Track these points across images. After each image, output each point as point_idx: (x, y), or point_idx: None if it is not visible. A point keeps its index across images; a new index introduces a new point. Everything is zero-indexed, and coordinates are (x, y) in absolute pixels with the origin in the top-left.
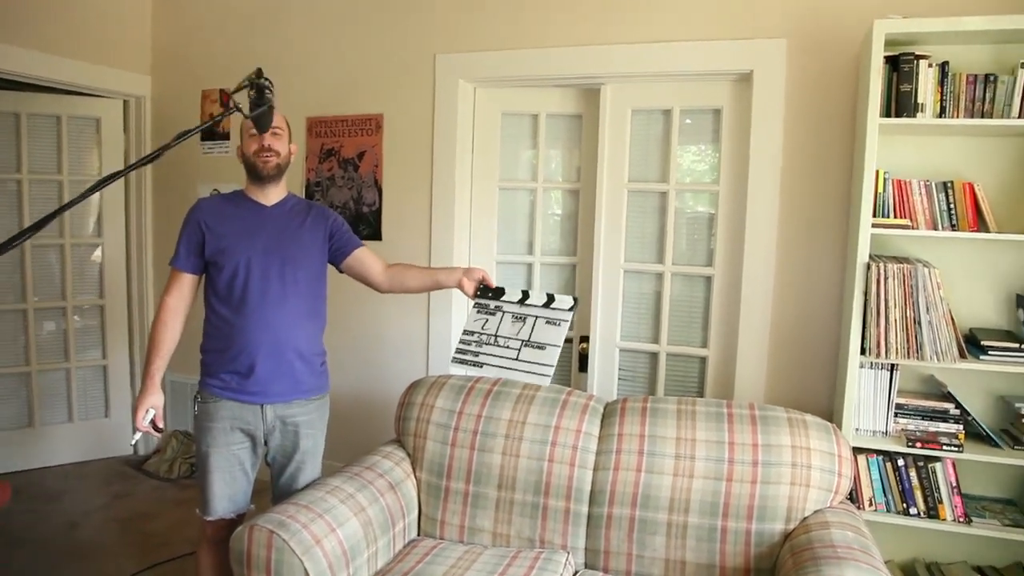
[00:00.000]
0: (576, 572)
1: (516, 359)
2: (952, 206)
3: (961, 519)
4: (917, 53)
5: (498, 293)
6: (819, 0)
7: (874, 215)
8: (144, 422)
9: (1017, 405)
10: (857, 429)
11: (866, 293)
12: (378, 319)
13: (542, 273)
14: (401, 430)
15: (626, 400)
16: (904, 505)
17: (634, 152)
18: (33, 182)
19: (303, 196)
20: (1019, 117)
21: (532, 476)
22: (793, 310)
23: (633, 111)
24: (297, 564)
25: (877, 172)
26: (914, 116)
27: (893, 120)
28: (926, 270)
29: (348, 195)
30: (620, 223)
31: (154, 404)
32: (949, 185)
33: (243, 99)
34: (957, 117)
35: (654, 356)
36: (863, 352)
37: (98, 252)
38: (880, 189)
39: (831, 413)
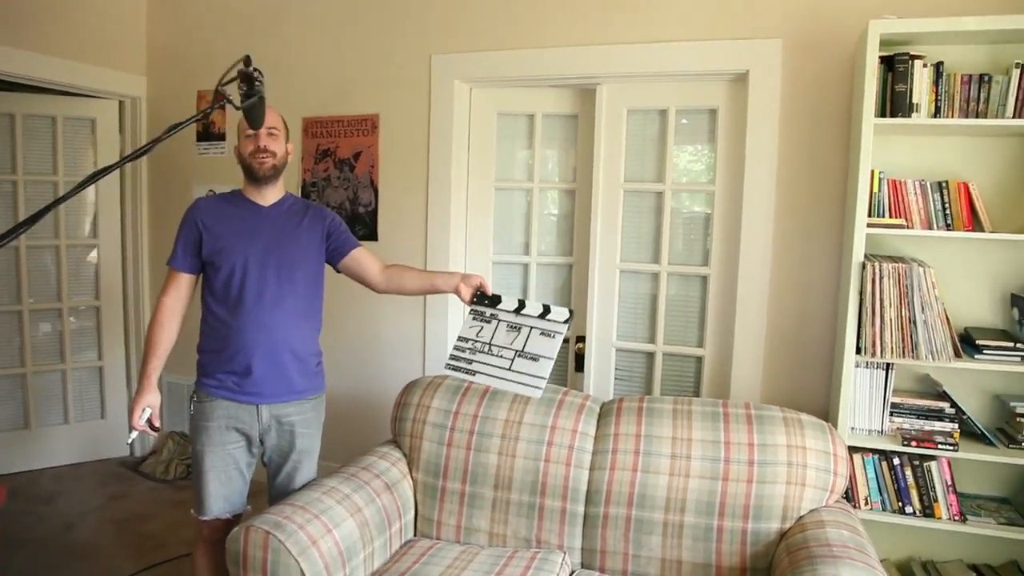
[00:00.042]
0: (572, 572)
1: (509, 369)
2: (947, 206)
3: (956, 518)
4: (912, 53)
5: (494, 301)
6: (815, 0)
7: (869, 215)
8: (140, 421)
9: (1012, 404)
10: (853, 428)
11: (861, 293)
12: (375, 320)
13: (538, 273)
14: (397, 430)
15: (622, 400)
16: (900, 504)
17: (630, 152)
18: (28, 183)
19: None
20: (1014, 117)
21: (528, 476)
22: (789, 310)
23: (629, 111)
24: (293, 565)
25: (872, 172)
26: (909, 116)
27: (888, 120)
28: (921, 270)
29: (344, 196)
30: (616, 223)
31: (151, 403)
32: (944, 185)
33: (234, 94)
34: (952, 117)
35: (650, 356)
36: (859, 351)
37: (94, 253)
38: (875, 189)
39: (827, 412)
